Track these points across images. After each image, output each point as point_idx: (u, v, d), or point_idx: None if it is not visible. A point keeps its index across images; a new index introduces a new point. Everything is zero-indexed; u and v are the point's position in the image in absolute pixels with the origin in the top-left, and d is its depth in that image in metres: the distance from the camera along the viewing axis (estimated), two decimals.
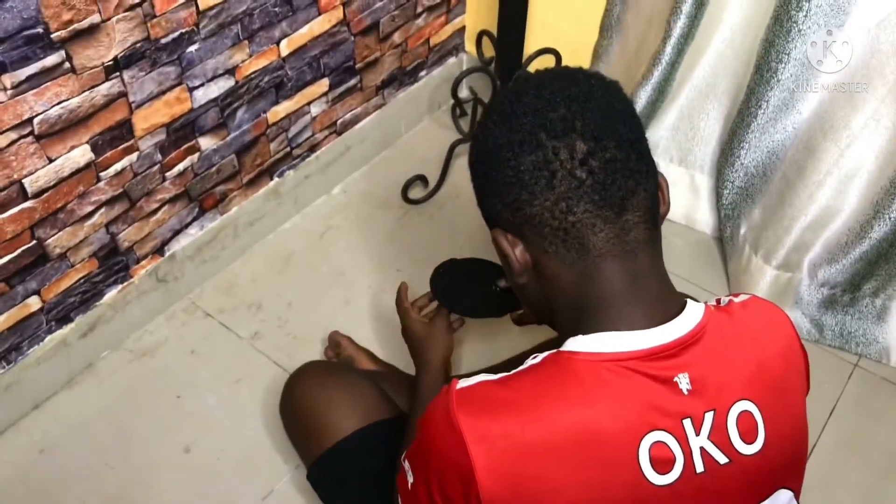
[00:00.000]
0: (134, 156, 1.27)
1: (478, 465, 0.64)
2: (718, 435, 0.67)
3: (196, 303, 1.49)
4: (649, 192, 0.72)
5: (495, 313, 1.12)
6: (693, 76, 1.51)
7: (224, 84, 1.35)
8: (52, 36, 1.06)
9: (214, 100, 1.35)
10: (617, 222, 0.70)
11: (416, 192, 1.72)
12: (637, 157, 0.71)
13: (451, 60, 1.89)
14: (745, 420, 0.68)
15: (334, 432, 1.03)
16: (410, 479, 0.73)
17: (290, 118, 1.53)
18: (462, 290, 1.14)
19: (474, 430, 0.65)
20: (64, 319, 1.32)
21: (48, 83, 1.09)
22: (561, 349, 0.69)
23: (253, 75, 1.39)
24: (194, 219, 1.45)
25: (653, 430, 0.65)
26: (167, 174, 1.35)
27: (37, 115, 1.10)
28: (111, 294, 1.37)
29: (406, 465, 0.75)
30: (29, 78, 1.06)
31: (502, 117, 0.74)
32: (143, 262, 1.40)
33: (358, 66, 1.62)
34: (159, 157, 1.31)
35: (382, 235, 1.64)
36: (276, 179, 1.58)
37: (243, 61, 1.36)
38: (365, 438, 1.02)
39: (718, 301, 0.77)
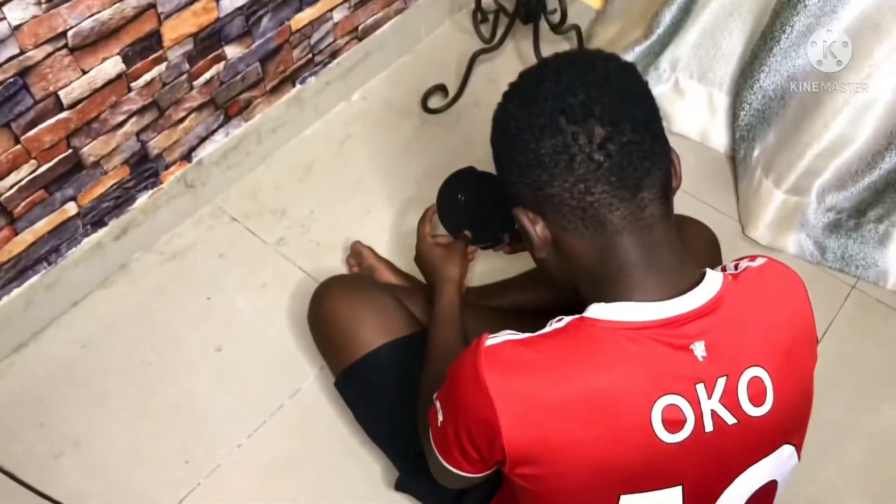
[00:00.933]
0: (163, 66, 1.29)
1: (502, 419, 0.71)
2: (729, 398, 0.73)
3: (222, 207, 1.55)
4: (663, 170, 0.76)
5: (494, 242, 1.18)
6: None
7: None
8: None
9: (240, 8, 1.35)
10: (633, 201, 0.74)
11: (436, 102, 1.73)
12: (652, 138, 0.75)
13: None
14: (755, 385, 0.74)
15: (360, 346, 1.10)
16: (440, 418, 0.80)
17: (312, 25, 1.53)
18: (465, 218, 1.19)
19: (499, 387, 0.71)
20: (99, 223, 1.38)
21: None
22: (583, 315, 0.75)
23: None
24: (220, 126, 1.48)
25: (666, 394, 0.71)
26: (194, 83, 1.37)
27: (70, 28, 1.11)
28: (142, 199, 1.42)
29: (437, 404, 0.81)
30: None
31: (523, 102, 0.77)
32: (172, 169, 1.44)
33: None
34: (187, 66, 1.33)
35: (401, 145, 1.67)
36: (298, 86, 1.60)
37: None
38: (388, 353, 1.09)
39: (736, 265, 0.82)
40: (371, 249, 1.43)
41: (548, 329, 0.75)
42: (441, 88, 1.73)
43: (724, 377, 0.73)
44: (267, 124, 1.57)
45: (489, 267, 1.45)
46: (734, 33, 1.54)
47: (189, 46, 1.31)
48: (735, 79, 1.59)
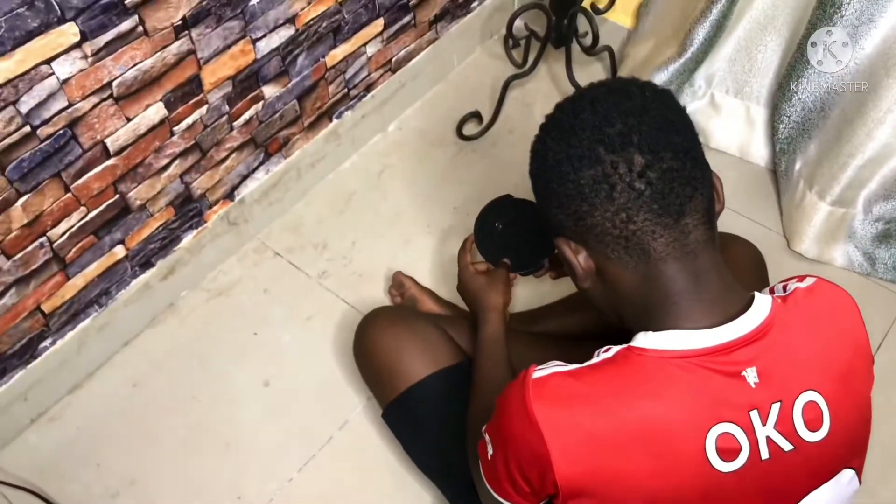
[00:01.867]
0: (203, 109, 1.32)
1: (553, 452, 0.70)
2: (784, 425, 0.72)
3: (265, 243, 1.57)
4: (705, 195, 0.76)
5: (534, 268, 1.18)
6: (752, 7, 1.49)
7: (285, 33, 1.37)
8: (125, 2, 1.09)
9: (276, 49, 1.38)
10: (676, 227, 0.74)
11: (470, 129, 1.74)
12: (693, 164, 0.74)
13: None
14: (811, 409, 0.73)
15: (406, 377, 1.10)
16: (490, 451, 0.80)
17: (347, 60, 1.56)
18: (503, 246, 1.20)
19: (549, 420, 0.70)
20: (146, 264, 1.41)
21: (124, 47, 1.13)
22: (631, 345, 0.74)
23: (312, 22, 1.41)
24: (260, 164, 1.51)
25: (720, 422, 0.70)
26: (234, 124, 1.40)
27: (115, 79, 1.15)
28: (187, 239, 1.46)
29: (486, 437, 0.81)
30: (107, 44, 1.11)
31: (561, 133, 0.77)
32: (215, 208, 1.48)
33: (412, 2, 1.62)
34: (227, 108, 1.36)
35: (438, 173, 1.68)
36: (334, 121, 1.62)
37: (303, 9, 1.38)
38: (434, 384, 1.09)
39: (785, 286, 0.81)
40: (413, 279, 1.43)
41: (596, 360, 0.75)
42: (475, 115, 1.74)
43: (779, 403, 0.72)
44: (306, 160, 1.60)
45: (531, 292, 1.45)
46: (769, 46, 1.53)
47: (228, 89, 1.34)
48: (772, 92, 1.57)
